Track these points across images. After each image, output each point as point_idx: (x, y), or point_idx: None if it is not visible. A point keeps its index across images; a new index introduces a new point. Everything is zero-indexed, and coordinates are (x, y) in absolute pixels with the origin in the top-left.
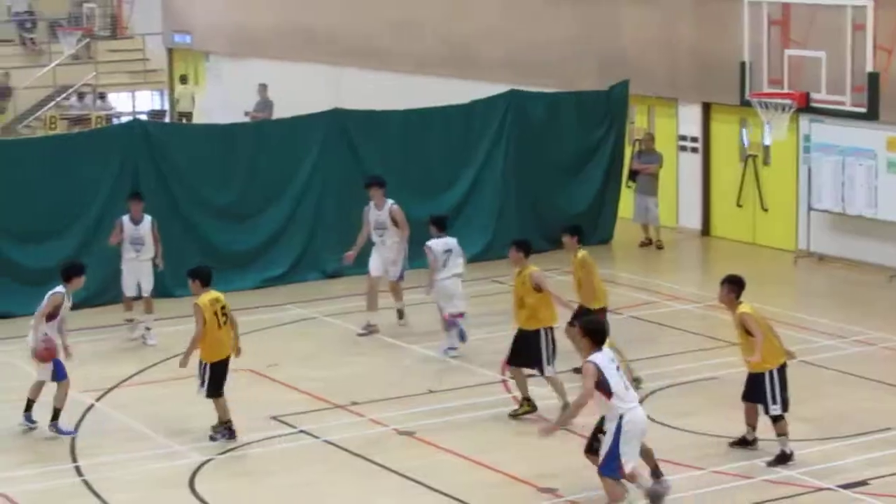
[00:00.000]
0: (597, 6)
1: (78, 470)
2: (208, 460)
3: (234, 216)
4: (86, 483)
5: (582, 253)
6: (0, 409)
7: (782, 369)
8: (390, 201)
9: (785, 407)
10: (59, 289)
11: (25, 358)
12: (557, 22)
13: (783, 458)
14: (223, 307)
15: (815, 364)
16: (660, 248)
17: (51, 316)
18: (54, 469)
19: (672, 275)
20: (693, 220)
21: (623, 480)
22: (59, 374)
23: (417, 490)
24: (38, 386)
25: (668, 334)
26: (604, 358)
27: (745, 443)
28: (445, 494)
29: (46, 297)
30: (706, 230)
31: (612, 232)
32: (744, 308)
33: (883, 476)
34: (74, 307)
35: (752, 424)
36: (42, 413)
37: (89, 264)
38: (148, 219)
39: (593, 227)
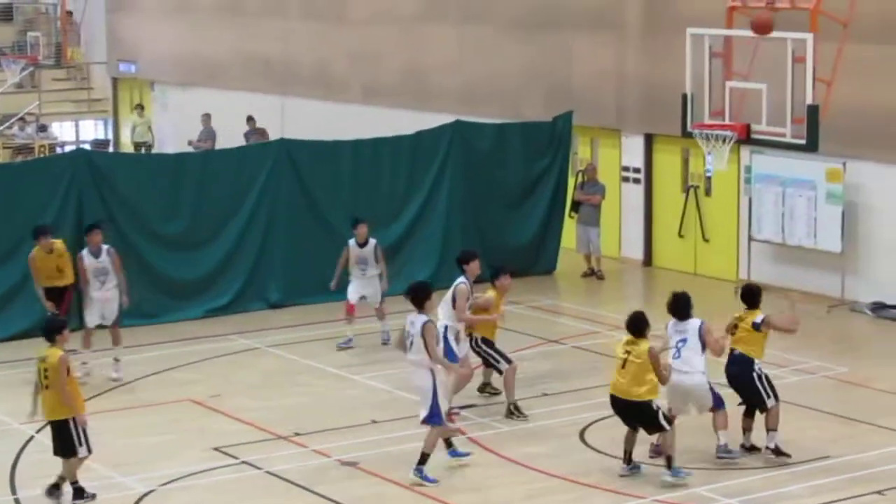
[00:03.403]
0: (546, 38)
1: (17, 502)
2: (150, 492)
3: (180, 246)
4: None
5: None
6: None
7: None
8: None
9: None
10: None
11: None
12: (508, 53)
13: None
14: (46, 369)
15: None
16: (600, 278)
17: None
18: None
19: (615, 304)
20: (635, 251)
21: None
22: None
23: None
24: None
25: (611, 364)
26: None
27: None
28: None
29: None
30: (648, 260)
31: (555, 262)
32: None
33: None
34: (13, 338)
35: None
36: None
37: (30, 296)
38: (105, 248)
39: (537, 258)
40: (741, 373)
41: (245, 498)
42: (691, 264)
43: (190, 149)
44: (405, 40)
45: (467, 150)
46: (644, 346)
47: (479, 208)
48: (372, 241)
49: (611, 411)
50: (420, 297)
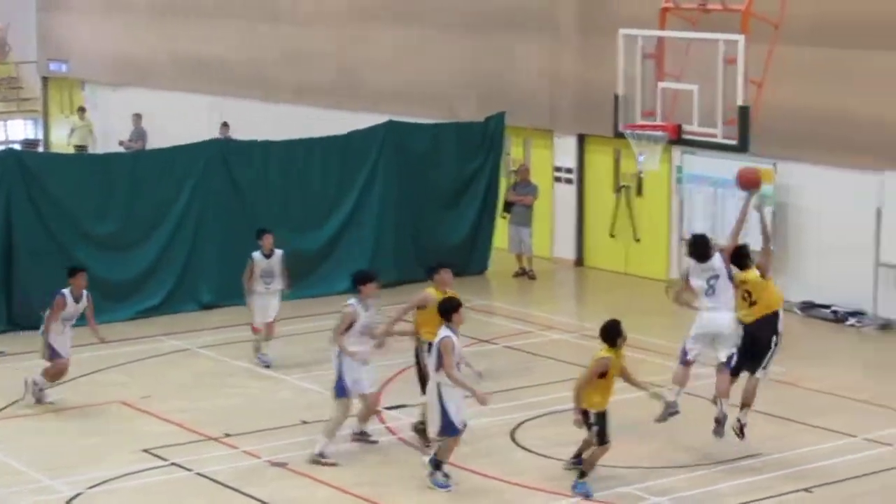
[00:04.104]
0: (480, 39)
1: None
2: (78, 495)
3: (111, 246)
4: None
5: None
6: None
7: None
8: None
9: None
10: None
11: None
12: (442, 54)
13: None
14: None
15: (690, 393)
16: (532, 278)
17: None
18: None
19: (547, 305)
20: (567, 251)
21: None
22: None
23: None
24: None
25: (543, 364)
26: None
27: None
28: None
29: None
30: (580, 260)
31: (487, 262)
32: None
33: (751, 502)
34: None
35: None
36: None
37: None
38: (86, 293)
39: (469, 258)
40: (763, 334)
41: (174, 500)
42: (622, 264)
43: (121, 149)
44: (340, 40)
45: (400, 150)
46: (598, 354)
47: (412, 208)
48: (278, 252)
49: (541, 410)
50: (446, 310)
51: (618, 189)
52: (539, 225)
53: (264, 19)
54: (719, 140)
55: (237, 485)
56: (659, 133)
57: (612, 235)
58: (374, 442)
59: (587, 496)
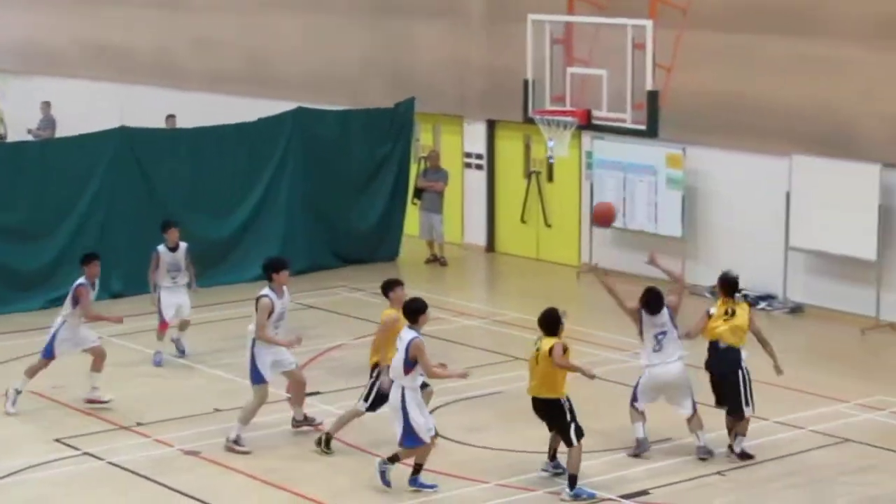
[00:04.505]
0: (390, 25)
1: None
2: None
3: (20, 236)
4: None
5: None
6: None
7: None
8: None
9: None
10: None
11: None
12: (352, 40)
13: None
14: None
15: (601, 378)
16: (444, 264)
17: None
18: None
19: (459, 291)
20: (478, 237)
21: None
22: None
23: None
24: None
25: (456, 350)
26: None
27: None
28: None
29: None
30: (491, 246)
31: (398, 249)
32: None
33: (663, 486)
34: None
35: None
36: None
37: None
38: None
39: (380, 244)
40: (729, 371)
41: (87, 489)
42: (534, 250)
43: (30, 137)
44: (248, 28)
45: (309, 137)
46: (546, 344)
47: (322, 195)
48: (183, 246)
49: (454, 396)
50: (414, 311)
51: (528, 175)
52: (450, 211)
53: (172, 7)
54: (629, 125)
55: (150, 473)
56: (568, 118)
57: (523, 221)
58: (319, 424)
59: (591, 497)
